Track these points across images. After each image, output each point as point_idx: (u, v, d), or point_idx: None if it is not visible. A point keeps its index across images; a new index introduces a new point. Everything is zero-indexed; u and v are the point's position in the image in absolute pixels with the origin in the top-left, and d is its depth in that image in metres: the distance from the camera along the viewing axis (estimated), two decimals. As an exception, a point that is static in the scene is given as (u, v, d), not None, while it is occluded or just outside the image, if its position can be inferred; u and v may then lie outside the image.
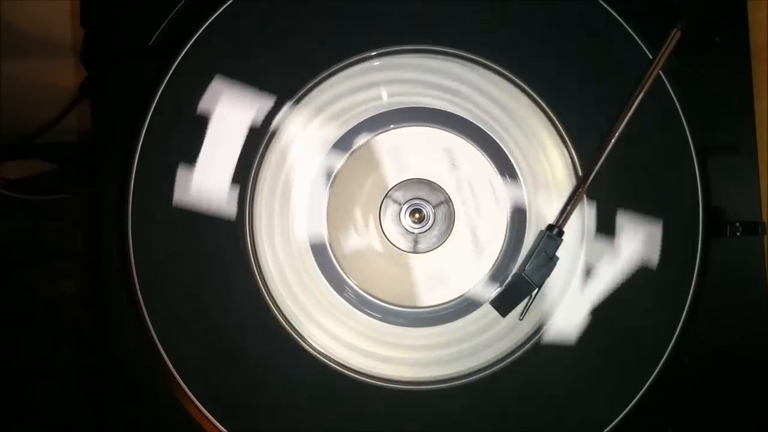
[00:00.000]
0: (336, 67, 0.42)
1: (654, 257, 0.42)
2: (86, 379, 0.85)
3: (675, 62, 0.42)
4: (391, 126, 0.43)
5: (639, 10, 0.43)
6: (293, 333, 0.42)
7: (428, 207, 0.43)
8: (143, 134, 0.42)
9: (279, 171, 0.42)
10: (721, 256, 0.42)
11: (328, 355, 0.42)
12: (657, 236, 0.42)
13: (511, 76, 0.42)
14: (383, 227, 0.43)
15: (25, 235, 0.86)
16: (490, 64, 0.42)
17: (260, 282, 0.42)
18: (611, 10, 0.42)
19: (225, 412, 0.41)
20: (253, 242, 0.42)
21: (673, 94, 0.42)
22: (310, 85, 0.42)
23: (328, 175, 0.43)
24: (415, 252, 0.43)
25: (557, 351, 0.42)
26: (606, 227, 0.42)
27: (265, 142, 0.42)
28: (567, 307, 0.42)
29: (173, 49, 0.42)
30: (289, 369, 0.42)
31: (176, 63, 0.42)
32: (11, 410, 0.84)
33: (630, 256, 0.42)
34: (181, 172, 0.42)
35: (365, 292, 0.42)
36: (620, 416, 0.41)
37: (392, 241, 0.43)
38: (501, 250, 0.43)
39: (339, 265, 0.42)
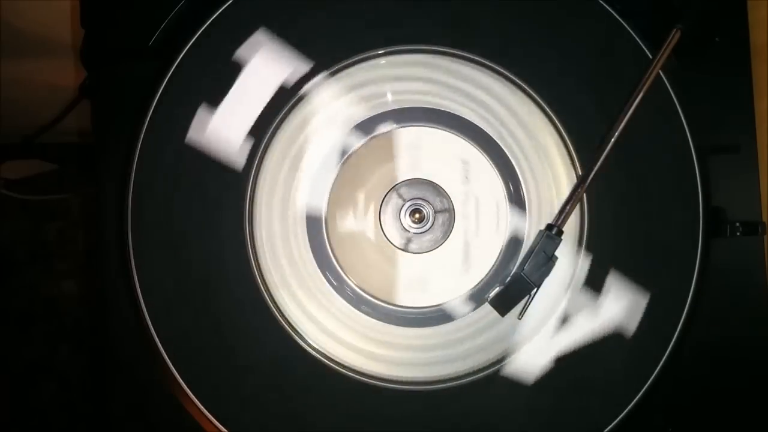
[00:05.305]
0: (337, 66, 0.42)
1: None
2: (86, 379, 0.85)
3: (675, 62, 0.42)
4: (416, 123, 0.43)
5: (639, 10, 0.43)
6: (294, 334, 0.42)
7: (430, 210, 0.43)
8: (143, 134, 0.42)
9: (291, 144, 0.42)
10: (721, 256, 0.42)
11: (329, 355, 0.42)
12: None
13: (511, 75, 0.42)
14: (381, 218, 0.43)
15: (25, 235, 0.86)
16: (489, 63, 0.42)
17: (261, 282, 0.42)
18: (611, 10, 0.42)
19: (225, 412, 0.41)
20: (254, 241, 0.42)
21: (673, 94, 0.42)
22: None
23: (343, 153, 0.42)
24: (405, 250, 0.43)
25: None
26: (605, 229, 0.42)
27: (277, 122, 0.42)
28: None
29: (173, 49, 0.42)
30: (289, 369, 0.42)
31: (176, 63, 0.42)
32: (11, 410, 0.84)
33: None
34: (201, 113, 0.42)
35: (359, 287, 0.42)
36: (620, 416, 0.41)
37: (387, 235, 0.43)
38: (488, 273, 0.42)
39: (330, 245, 0.42)
